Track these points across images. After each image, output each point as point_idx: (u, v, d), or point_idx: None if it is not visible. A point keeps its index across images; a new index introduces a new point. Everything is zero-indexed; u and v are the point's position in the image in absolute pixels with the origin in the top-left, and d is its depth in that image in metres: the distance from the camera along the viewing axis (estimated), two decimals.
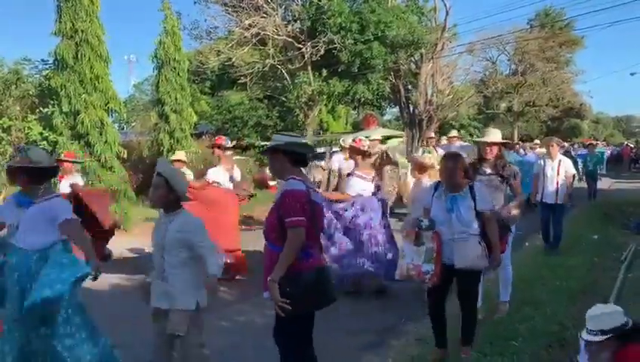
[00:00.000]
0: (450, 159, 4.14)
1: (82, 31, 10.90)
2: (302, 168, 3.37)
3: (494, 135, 5.01)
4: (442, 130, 29.49)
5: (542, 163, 8.38)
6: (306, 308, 3.16)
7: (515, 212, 4.74)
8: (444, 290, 4.17)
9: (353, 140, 6.74)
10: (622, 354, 2.73)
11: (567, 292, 5.94)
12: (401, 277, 4.23)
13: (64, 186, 7.51)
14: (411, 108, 27.75)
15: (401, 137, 24.58)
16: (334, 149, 12.33)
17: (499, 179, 4.80)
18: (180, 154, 8.66)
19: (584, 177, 15.71)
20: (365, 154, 6.36)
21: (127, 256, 8.54)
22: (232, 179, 7.35)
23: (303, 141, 3.54)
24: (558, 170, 8.10)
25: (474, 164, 4.88)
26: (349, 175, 6.38)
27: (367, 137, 7.38)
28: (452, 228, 3.98)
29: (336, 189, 7.29)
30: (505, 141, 5.19)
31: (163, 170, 3.33)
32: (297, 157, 3.26)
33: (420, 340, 4.48)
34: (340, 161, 8.76)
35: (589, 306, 5.44)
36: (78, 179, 7.94)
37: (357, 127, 32.17)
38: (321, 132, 29.63)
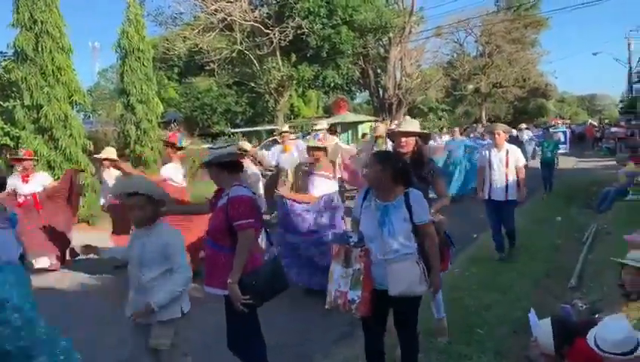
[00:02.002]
0: (378, 161, 3.35)
1: (42, 22, 10.64)
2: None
3: (410, 124, 4.29)
4: (412, 114, 29.73)
5: (486, 153, 7.09)
6: (268, 298, 3.45)
7: (439, 218, 3.90)
8: (380, 323, 3.48)
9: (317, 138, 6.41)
10: (572, 351, 2.86)
11: (532, 276, 6.12)
12: (330, 305, 3.40)
13: (31, 187, 7.35)
14: (381, 93, 27.89)
15: (372, 122, 24.68)
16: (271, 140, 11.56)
17: (414, 179, 3.83)
18: (108, 151, 7.86)
19: (540, 165, 13.60)
20: (326, 151, 6.05)
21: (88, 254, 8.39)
22: (184, 176, 7.15)
23: (228, 151, 3.69)
24: (507, 162, 6.86)
25: None
26: (309, 174, 5.98)
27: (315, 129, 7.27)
28: (384, 245, 3.25)
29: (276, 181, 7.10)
30: (422, 132, 4.33)
31: (140, 188, 3.17)
32: (229, 165, 3.52)
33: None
34: (277, 155, 8.61)
35: (553, 290, 5.73)
36: (44, 177, 7.79)
37: (328, 112, 32.22)
38: (292, 117, 29.57)
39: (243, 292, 3.25)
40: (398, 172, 3.30)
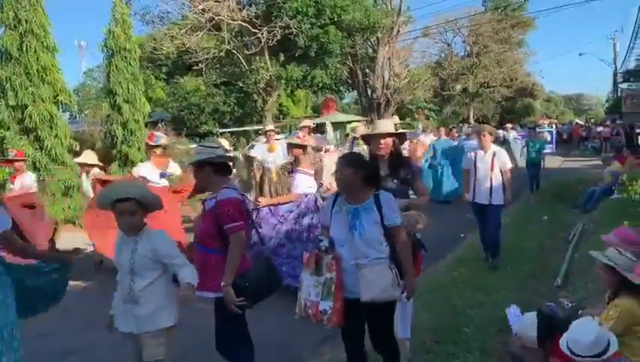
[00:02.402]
0: (347, 163, 3.26)
1: (26, 21, 10.57)
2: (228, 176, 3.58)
3: (385, 125, 4.16)
4: (400, 114, 29.80)
5: (472, 155, 6.89)
6: (261, 299, 3.45)
7: (418, 220, 3.81)
8: (358, 333, 3.36)
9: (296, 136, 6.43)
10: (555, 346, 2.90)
11: (518, 276, 6.16)
12: (299, 315, 3.33)
13: (17, 187, 7.27)
14: (369, 93, 27.94)
15: (360, 122, 24.68)
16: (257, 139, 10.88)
17: (394, 181, 3.88)
18: (86, 156, 7.58)
19: (525, 165, 13.43)
20: (305, 149, 6.07)
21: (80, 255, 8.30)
22: (164, 175, 6.99)
23: (222, 151, 3.63)
24: (492, 165, 6.66)
25: None
26: (291, 172, 6.06)
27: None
28: (355, 249, 3.16)
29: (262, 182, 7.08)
30: (399, 132, 4.24)
31: (130, 193, 3.05)
32: (222, 166, 3.47)
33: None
34: (263, 154, 8.46)
35: (538, 290, 5.77)
36: (30, 178, 7.70)
37: (317, 111, 32.23)
38: (281, 117, 29.53)
39: (236, 295, 3.23)
40: (369, 174, 3.23)
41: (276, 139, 9.08)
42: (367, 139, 4.28)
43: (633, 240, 3.58)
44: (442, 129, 14.87)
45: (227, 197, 3.32)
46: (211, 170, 3.42)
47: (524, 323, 3.18)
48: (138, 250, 3.03)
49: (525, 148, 13.74)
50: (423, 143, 13.65)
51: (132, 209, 3.01)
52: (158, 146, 7.04)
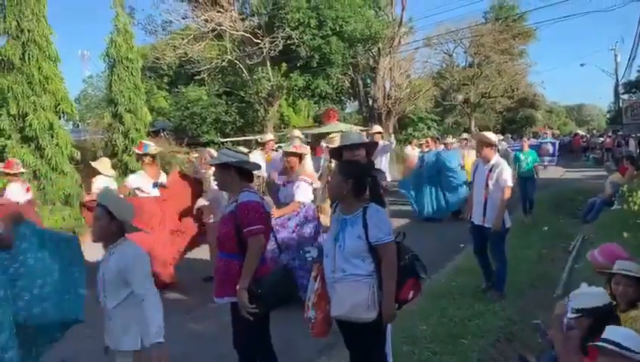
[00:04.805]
0: (339, 169, 3.17)
1: (29, 31, 10.66)
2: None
3: (355, 136, 3.85)
4: (401, 124, 29.87)
5: (475, 168, 6.06)
6: (274, 306, 3.33)
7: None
8: (348, 344, 3.25)
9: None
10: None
11: (516, 286, 6.12)
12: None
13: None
14: (370, 102, 28.01)
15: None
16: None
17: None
18: (100, 163, 7.47)
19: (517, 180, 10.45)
20: (301, 158, 5.99)
21: None
22: (156, 185, 6.84)
23: (249, 159, 3.62)
24: (487, 180, 5.66)
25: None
26: (289, 181, 5.88)
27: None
28: (334, 262, 3.01)
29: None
30: (369, 142, 3.98)
31: (103, 199, 3.01)
32: (246, 172, 3.45)
33: None
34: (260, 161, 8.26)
35: (537, 300, 5.73)
36: (18, 189, 7.37)
37: (318, 121, 32.28)
38: (282, 126, 29.59)
39: (249, 301, 3.14)
40: (359, 184, 3.04)
41: (273, 150, 8.97)
42: (336, 153, 3.82)
43: (620, 257, 3.58)
44: (429, 139, 13.08)
45: (247, 200, 3.28)
46: (237, 174, 3.39)
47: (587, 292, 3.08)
48: (109, 264, 2.91)
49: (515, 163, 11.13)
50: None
51: (98, 215, 2.96)
52: (146, 155, 6.97)
